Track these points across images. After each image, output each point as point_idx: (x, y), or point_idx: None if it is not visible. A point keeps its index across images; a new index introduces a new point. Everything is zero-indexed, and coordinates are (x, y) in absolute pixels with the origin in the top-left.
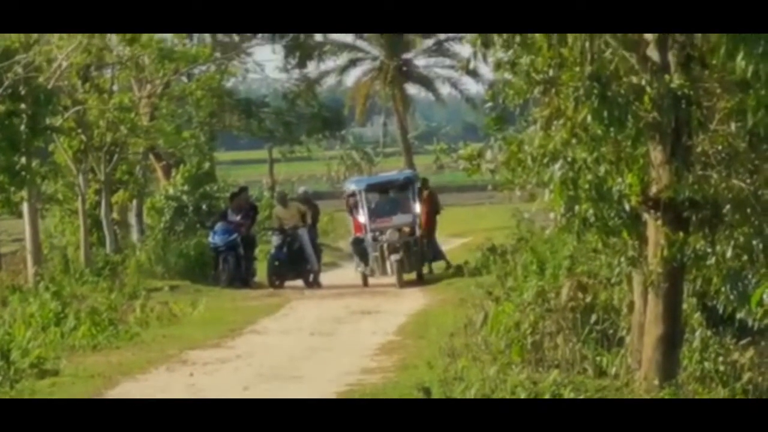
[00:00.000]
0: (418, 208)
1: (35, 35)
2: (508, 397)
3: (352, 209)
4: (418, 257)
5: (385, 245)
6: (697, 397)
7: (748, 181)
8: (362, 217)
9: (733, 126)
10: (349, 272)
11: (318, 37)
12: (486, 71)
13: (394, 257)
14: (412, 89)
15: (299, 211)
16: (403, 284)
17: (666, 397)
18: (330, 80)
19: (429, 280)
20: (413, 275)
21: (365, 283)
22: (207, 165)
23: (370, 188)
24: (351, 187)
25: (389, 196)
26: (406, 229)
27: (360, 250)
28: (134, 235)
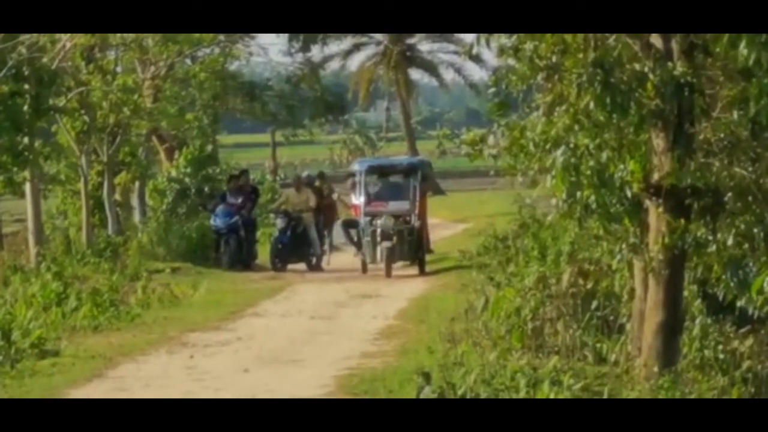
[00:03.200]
0: (417, 196)
1: None
2: (507, 382)
3: (354, 188)
4: (412, 247)
5: (378, 231)
6: (696, 384)
7: (750, 169)
8: (358, 199)
9: (735, 114)
10: (349, 257)
11: None
12: (489, 57)
13: (385, 244)
14: (415, 74)
15: (313, 196)
16: (391, 274)
17: (665, 384)
18: (334, 64)
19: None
20: (413, 269)
21: (364, 270)
22: (210, 148)
23: (372, 170)
24: (354, 167)
25: (389, 180)
26: (403, 217)
27: (350, 233)
28: (136, 217)
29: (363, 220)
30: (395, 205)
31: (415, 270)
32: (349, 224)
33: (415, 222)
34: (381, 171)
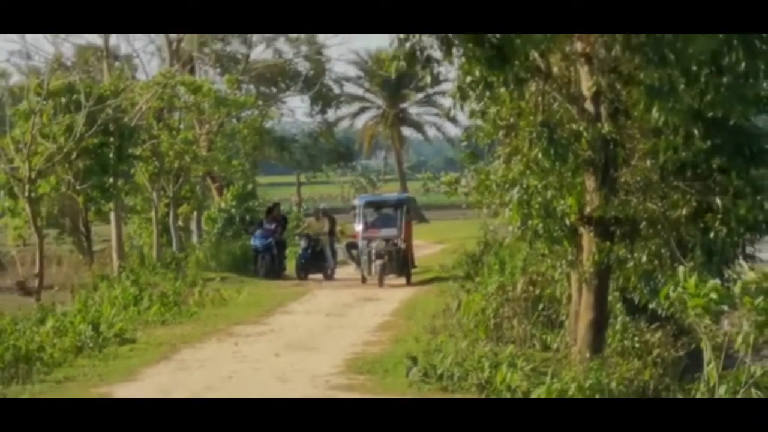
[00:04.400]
0: (403, 224)
1: (122, 85)
2: (474, 364)
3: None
4: (399, 263)
5: (373, 251)
6: (618, 367)
7: (659, 204)
8: (358, 227)
9: (648, 162)
10: (351, 269)
11: (336, 90)
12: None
13: (378, 262)
14: (406, 131)
15: (327, 224)
16: (383, 284)
17: (594, 366)
18: (344, 123)
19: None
20: (401, 280)
21: (363, 281)
22: (250, 186)
23: (368, 204)
24: (355, 202)
25: (382, 212)
26: (392, 240)
27: (352, 253)
28: (194, 238)
29: (361, 243)
30: (386, 231)
31: (403, 281)
32: (351, 246)
33: (402, 244)
34: (375, 205)
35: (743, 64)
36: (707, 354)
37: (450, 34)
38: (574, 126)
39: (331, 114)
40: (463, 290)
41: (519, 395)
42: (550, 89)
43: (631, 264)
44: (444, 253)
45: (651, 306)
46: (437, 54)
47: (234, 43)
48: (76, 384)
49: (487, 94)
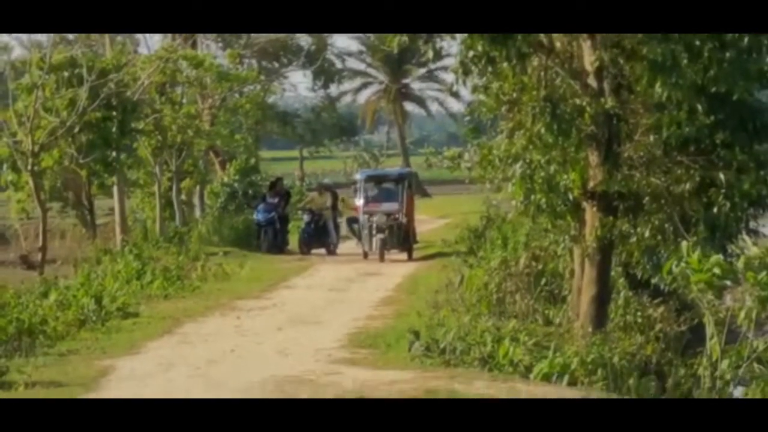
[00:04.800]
0: (404, 199)
1: (124, 59)
2: (477, 339)
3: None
4: (400, 238)
5: (374, 225)
6: (620, 341)
7: (662, 179)
8: (359, 201)
9: (651, 137)
10: (353, 244)
11: (338, 65)
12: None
13: (379, 236)
14: (409, 106)
15: (329, 199)
16: (384, 259)
17: (597, 341)
18: (347, 98)
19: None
20: (403, 255)
21: (365, 257)
22: (253, 160)
23: (369, 179)
24: (356, 176)
25: (383, 186)
26: (393, 215)
27: (353, 227)
28: (197, 213)
29: (362, 218)
30: (387, 206)
31: (405, 256)
32: (352, 220)
33: (403, 219)
34: (376, 179)
35: (746, 39)
36: (710, 329)
37: None
38: (577, 101)
39: (333, 89)
40: (466, 265)
41: (521, 369)
42: (553, 64)
43: (633, 239)
44: (447, 228)
45: (654, 281)
46: None
47: None
48: (79, 357)
49: (490, 69)
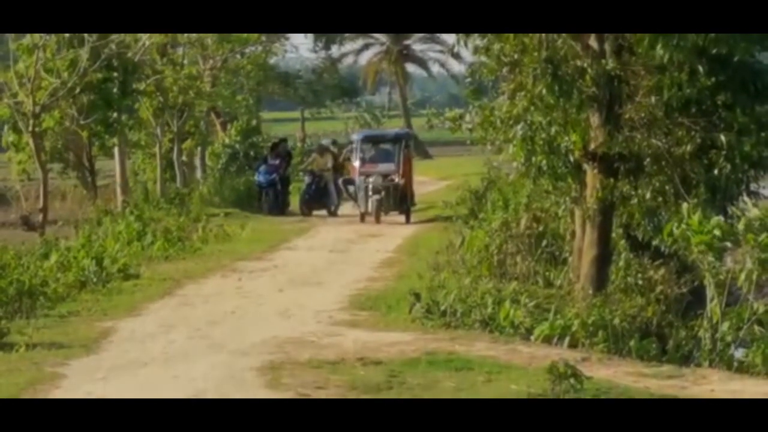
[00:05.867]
0: (401, 160)
1: None
2: (478, 300)
3: (351, 155)
4: (396, 200)
5: (370, 186)
6: (621, 303)
7: (664, 141)
8: (355, 162)
9: (653, 99)
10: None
11: None
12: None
13: (375, 197)
14: (410, 67)
15: (331, 159)
16: (380, 220)
17: (598, 303)
18: (348, 59)
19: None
20: (402, 218)
21: (362, 219)
22: (254, 122)
23: (366, 139)
24: (353, 137)
25: (380, 147)
26: (390, 176)
27: (349, 189)
28: (198, 174)
29: (358, 179)
30: (384, 167)
31: (403, 219)
32: (348, 182)
33: (400, 180)
34: (373, 140)
35: None
36: (710, 291)
37: None
38: (579, 62)
39: (335, 50)
40: (467, 227)
41: (522, 331)
42: None
43: (634, 201)
44: (448, 190)
45: (654, 243)
46: None
47: None
48: (80, 318)
49: None
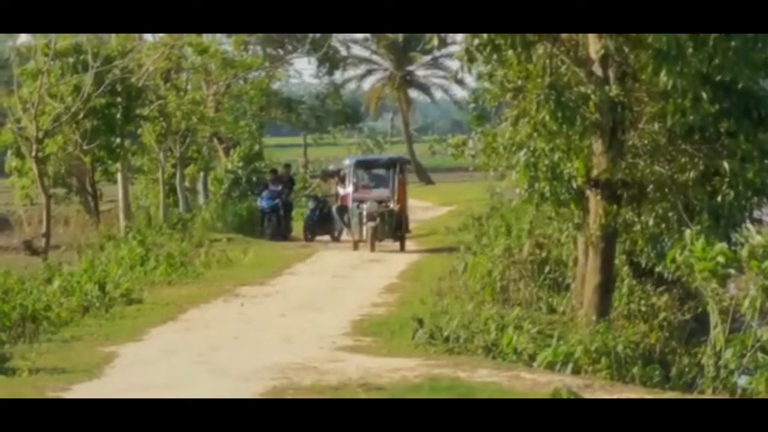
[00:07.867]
0: (396, 185)
1: (129, 46)
2: (481, 327)
3: (343, 181)
4: (392, 226)
5: (364, 213)
6: (624, 330)
7: (667, 167)
8: (349, 188)
9: (656, 126)
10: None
11: (343, 52)
12: (470, 80)
13: (370, 224)
14: (413, 93)
15: (333, 186)
16: (375, 248)
17: (601, 329)
18: (351, 85)
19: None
20: (396, 246)
21: (355, 247)
22: (257, 147)
23: (359, 164)
24: (345, 162)
25: (373, 172)
26: (385, 202)
27: (343, 216)
28: (201, 199)
29: (351, 205)
30: (378, 192)
31: (398, 246)
32: (342, 210)
33: (394, 206)
34: (366, 165)
35: None
36: (714, 317)
37: None
38: (582, 89)
39: (338, 76)
40: (470, 252)
41: (525, 358)
42: (558, 52)
43: (637, 227)
44: (450, 216)
45: (658, 269)
46: None
47: None
48: (83, 343)
49: (495, 56)
